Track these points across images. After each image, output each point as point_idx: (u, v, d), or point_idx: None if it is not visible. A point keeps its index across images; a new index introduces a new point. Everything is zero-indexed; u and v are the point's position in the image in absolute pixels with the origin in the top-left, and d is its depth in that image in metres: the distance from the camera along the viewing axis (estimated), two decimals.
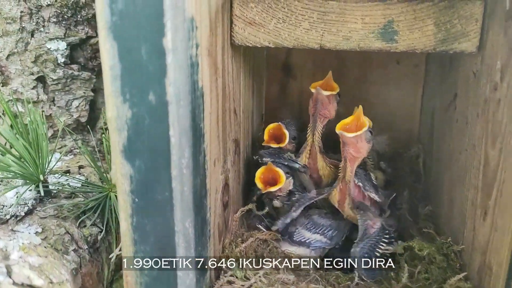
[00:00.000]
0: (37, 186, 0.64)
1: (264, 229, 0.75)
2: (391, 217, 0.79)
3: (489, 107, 0.59)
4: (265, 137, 0.81)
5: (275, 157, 0.78)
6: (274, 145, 0.80)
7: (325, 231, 0.75)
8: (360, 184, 0.73)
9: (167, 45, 0.44)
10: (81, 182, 0.71)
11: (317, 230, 0.75)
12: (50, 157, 0.67)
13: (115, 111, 0.46)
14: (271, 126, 0.83)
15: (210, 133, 0.59)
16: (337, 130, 0.67)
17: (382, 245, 0.69)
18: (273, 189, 0.74)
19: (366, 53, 0.72)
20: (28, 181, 0.64)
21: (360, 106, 0.71)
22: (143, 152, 0.47)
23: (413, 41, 0.63)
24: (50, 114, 0.86)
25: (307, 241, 0.74)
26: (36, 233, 0.63)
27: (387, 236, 0.70)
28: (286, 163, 0.77)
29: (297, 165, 0.77)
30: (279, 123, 0.82)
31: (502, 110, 0.55)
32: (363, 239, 0.69)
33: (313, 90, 0.74)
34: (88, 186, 0.70)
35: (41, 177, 0.63)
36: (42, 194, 0.64)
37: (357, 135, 0.67)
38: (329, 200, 0.76)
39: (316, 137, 0.77)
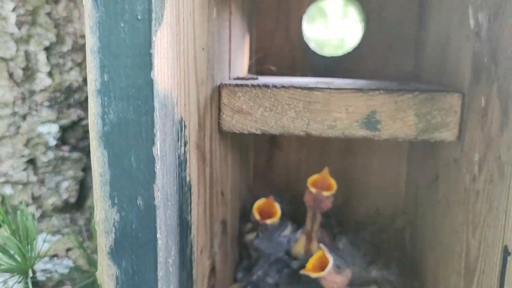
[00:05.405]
0: (25, 277, 0.64)
1: None
2: None
3: (469, 197, 0.60)
4: (256, 215, 0.82)
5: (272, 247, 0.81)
6: (268, 221, 0.82)
7: None
8: None
9: (156, 153, 0.45)
10: (68, 268, 0.71)
11: None
12: (37, 241, 0.67)
13: (103, 214, 0.47)
14: (260, 202, 0.84)
15: (198, 223, 0.60)
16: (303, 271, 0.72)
17: None
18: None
19: None
20: (15, 274, 0.64)
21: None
22: (130, 254, 0.48)
23: (395, 130, 0.65)
24: (40, 195, 0.86)
25: None
26: None
27: None
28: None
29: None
30: (270, 196, 0.85)
31: (480, 203, 0.56)
32: None
33: (312, 190, 0.77)
34: (75, 272, 0.70)
35: (30, 272, 0.63)
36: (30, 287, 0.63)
37: (321, 275, 0.70)
38: None
39: (315, 227, 0.79)
